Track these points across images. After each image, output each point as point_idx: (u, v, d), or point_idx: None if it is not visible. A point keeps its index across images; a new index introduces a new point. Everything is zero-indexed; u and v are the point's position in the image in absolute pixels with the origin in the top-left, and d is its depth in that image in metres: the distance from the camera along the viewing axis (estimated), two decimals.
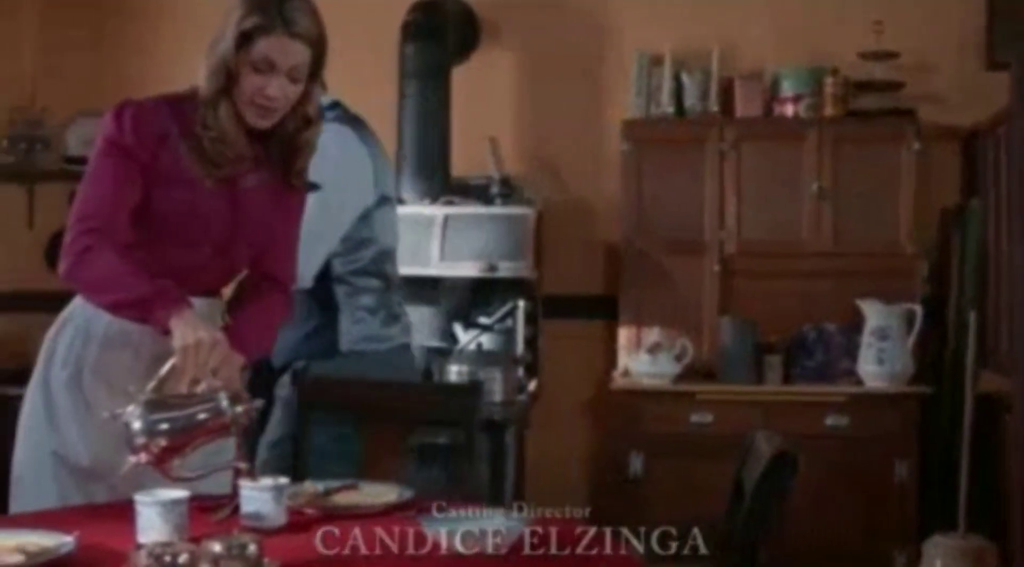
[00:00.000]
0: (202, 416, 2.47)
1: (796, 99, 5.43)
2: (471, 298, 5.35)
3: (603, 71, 5.84)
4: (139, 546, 2.19)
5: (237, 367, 2.54)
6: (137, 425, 2.43)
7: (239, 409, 2.49)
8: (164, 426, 2.44)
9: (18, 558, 2.08)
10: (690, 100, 5.53)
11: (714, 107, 5.50)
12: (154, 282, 2.60)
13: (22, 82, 6.13)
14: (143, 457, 2.43)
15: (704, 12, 5.69)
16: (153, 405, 2.45)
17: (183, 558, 1.99)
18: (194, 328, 2.50)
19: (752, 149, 5.46)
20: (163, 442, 2.43)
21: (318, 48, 2.75)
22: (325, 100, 3.27)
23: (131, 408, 2.44)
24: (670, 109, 5.51)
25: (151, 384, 2.49)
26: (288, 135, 2.81)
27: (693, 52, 5.53)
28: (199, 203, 2.76)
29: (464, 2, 5.79)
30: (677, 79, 5.53)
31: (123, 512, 2.41)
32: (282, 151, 2.82)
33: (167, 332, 2.52)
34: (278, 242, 2.92)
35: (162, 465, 2.46)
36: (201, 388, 2.49)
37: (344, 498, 2.67)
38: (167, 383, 2.50)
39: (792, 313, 5.37)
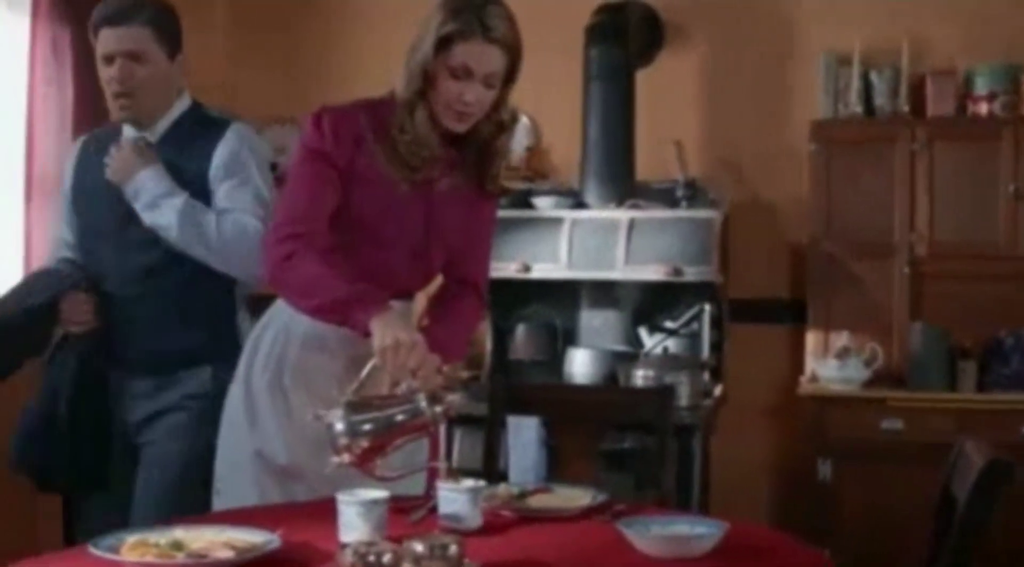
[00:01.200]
0: (401, 417, 2.50)
1: (991, 97, 5.27)
2: (656, 302, 5.33)
3: (789, 71, 5.76)
4: (343, 545, 2.23)
5: (434, 368, 2.55)
6: (340, 426, 2.46)
7: (438, 409, 2.51)
8: (366, 427, 2.47)
9: (228, 553, 2.13)
10: (879, 99, 5.41)
11: (904, 106, 5.36)
12: (354, 285, 2.64)
13: (214, 91, 6.27)
14: (346, 457, 2.47)
15: (893, 8, 5.54)
16: (355, 406, 2.49)
17: (387, 557, 2.02)
18: (394, 330, 2.52)
19: (944, 149, 5.30)
20: (365, 443, 2.47)
21: (514, 54, 2.77)
22: None
23: (334, 410, 2.48)
24: (858, 109, 5.40)
25: (352, 386, 2.52)
26: (483, 140, 2.84)
27: (882, 50, 5.41)
28: (394, 205, 2.80)
29: (648, 4, 5.76)
30: (866, 78, 5.41)
31: (321, 511, 2.47)
32: (477, 156, 2.85)
33: (367, 335, 2.55)
34: (472, 247, 2.96)
35: (364, 465, 2.49)
36: (401, 389, 2.52)
37: (538, 501, 2.68)
38: (367, 384, 2.53)
39: (987, 318, 5.21)
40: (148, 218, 3.16)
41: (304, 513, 2.55)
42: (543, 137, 6.01)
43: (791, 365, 5.61)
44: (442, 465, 2.58)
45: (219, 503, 2.91)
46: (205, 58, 6.36)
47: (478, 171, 2.87)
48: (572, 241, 5.18)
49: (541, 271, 5.22)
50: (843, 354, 5.22)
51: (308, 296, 2.68)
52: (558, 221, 5.27)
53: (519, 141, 5.96)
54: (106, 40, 3.24)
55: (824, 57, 5.45)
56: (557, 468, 3.32)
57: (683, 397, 4.70)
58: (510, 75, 2.80)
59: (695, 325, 5.20)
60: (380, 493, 2.36)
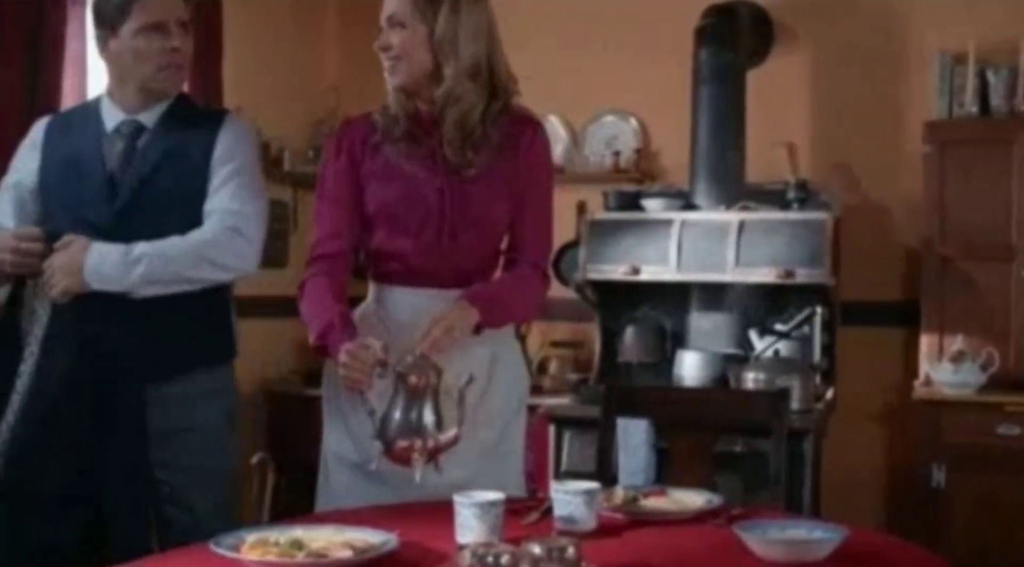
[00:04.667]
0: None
1: None
2: (766, 304, 5.29)
3: (902, 71, 5.69)
4: (461, 546, 2.24)
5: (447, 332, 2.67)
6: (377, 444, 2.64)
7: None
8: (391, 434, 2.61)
9: (347, 553, 2.15)
10: (996, 99, 5.31)
11: (1021, 105, 5.26)
12: (325, 320, 2.77)
13: (326, 93, 6.37)
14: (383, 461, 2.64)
15: (1009, 5, 5.45)
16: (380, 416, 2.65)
17: (505, 559, 2.02)
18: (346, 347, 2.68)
19: None
20: (403, 444, 2.60)
21: None
22: None
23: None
24: (974, 109, 5.31)
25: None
26: (457, 118, 2.85)
27: (998, 48, 5.32)
28: (414, 193, 2.88)
29: (759, 5, 5.73)
30: (981, 77, 5.32)
31: (437, 511, 2.49)
32: (457, 134, 2.87)
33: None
34: (520, 225, 2.96)
35: (405, 462, 2.61)
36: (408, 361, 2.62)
37: (653, 503, 2.67)
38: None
39: None
40: (142, 287, 2.93)
41: (420, 514, 2.57)
42: (652, 139, 6.01)
43: (904, 369, 5.54)
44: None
45: (318, 504, 2.99)
46: (316, 61, 6.45)
47: (462, 150, 2.87)
48: (682, 243, 5.16)
49: (650, 273, 5.20)
50: (958, 358, 5.14)
51: (309, 329, 2.82)
52: (668, 223, 5.25)
53: (627, 143, 5.97)
54: (164, 9, 3.04)
55: (939, 56, 5.37)
56: (667, 470, 3.31)
57: (794, 400, 4.66)
58: (428, 14, 2.82)
59: (806, 328, 5.15)
60: (496, 495, 2.37)
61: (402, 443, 2.59)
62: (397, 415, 2.61)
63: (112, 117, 3.09)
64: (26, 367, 2.90)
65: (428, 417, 2.60)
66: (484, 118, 2.86)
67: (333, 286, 2.87)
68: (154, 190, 3.00)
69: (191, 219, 3.00)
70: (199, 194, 3.03)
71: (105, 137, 3.06)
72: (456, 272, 2.90)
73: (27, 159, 3.13)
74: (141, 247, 2.91)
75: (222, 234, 2.99)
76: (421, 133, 2.89)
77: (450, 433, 2.61)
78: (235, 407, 3.22)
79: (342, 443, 2.94)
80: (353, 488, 2.89)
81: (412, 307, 2.88)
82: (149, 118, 3.07)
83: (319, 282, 2.88)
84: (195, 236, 2.97)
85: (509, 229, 2.96)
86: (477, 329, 2.77)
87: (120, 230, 2.96)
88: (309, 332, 2.80)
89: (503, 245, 2.99)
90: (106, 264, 2.88)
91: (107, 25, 3.01)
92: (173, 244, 2.94)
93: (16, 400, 2.88)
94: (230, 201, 3.02)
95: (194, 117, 3.14)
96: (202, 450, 3.04)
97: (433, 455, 2.60)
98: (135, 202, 3.00)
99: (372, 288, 3.01)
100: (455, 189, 2.87)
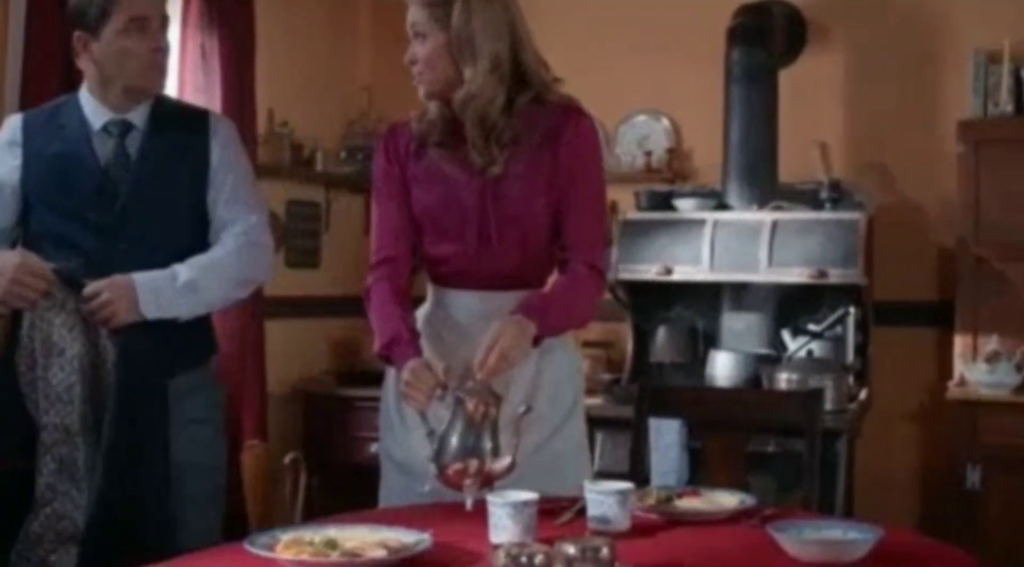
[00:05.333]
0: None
1: None
2: (799, 304, 5.27)
3: (936, 70, 5.65)
4: (495, 546, 2.24)
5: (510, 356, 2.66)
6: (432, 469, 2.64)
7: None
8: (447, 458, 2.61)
9: (380, 553, 2.15)
10: None
11: None
12: (392, 332, 2.81)
13: (358, 94, 6.39)
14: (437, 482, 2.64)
15: None
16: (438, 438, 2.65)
17: (538, 559, 2.02)
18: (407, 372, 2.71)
19: None
20: (457, 468, 2.60)
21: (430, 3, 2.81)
22: None
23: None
24: (1009, 107, 5.27)
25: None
26: (476, 119, 2.83)
27: None
28: (452, 197, 2.88)
29: (792, 4, 5.71)
30: (1016, 76, 5.28)
31: (468, 512, 2.53)
32: (480, 135, 2.85)
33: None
34: (568, 226, 2.91)
35: (457, 486, 2.61)
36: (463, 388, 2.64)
37: (687, 503, 2.66)
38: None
39: None
40: (188, 313, 2.98)
41: (454, 514, 2.57)
42: (684, 139, 6.00)
43: (938, 369, 5.51)
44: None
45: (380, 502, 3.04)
46: (348, 62, 6.46)
47: (487, 148, 2.85)
48: (714, 243, 5.15)
49: (683, 273, 5.20)
50: (993, 358, 5.11)
51: (376, 337, 2.86)
52: (700, 223, 5.24)
53: (659, 143, 5.95)
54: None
55: (974, 55, 5.33)
56: (700, 471, 3.31)
57: (828, 401, 4.64)
58: (445, 21, 2.80)
59: (839, 328, 5.14)
60: (530, 495, 2.37)
61: (456, 468, 2.59)
62: (454, 440, 2.61)
63: (98, 115, 3.04)
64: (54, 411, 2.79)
65: (484, 444, 2.60)
66: (508, 111, 2.82)
67: (396, 291, 2.89)
68: (153, 190, 3.00)
69: (190, 218, 3.04)
70: (197, 195, 3.05)
71: (95, 135, 3.03)
72: (503, 272, 2.90)
73: (6, 156, 3.05)
74: (184, 274, 2.93)
75: (245, 251, 3.03)
76: (457, 137, 2.87)
77: (505, 461, 2.61)
78: (221, 402, 3.26)
79: (396, 447, 2.97)
80: (408, 489, 2.90)
81: (467, 308, 2.92)
82: (137, 117, 3.05)
83: (383, 288, 2.90)
84: (221, 258, 3.00)
85: (558, 227, 2.91)
86: (536, 341, 2.74)
87: (121, 229, 2.97)
88: (376, 339, 2.84)
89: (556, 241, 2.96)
90: (162, 296, 2.90)
91: (88, 28, 2.97)
92: (209, 267, 2.97)
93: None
94: (240, 213, 3.06)
95: (180, 116, 3.15)
96: (192, 446, 3.03)
97: (487, 482, 2.59)
98: (136, 202, 2.98)
99: (429, 289, 3.04)
100: (493, 190, 2.85)
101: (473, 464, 2.58)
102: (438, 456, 2.62)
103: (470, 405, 2.59)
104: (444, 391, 2.64)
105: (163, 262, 2.94)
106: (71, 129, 3.04)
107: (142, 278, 2.88)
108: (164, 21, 3.04)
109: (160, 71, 3.06)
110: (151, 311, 2.87)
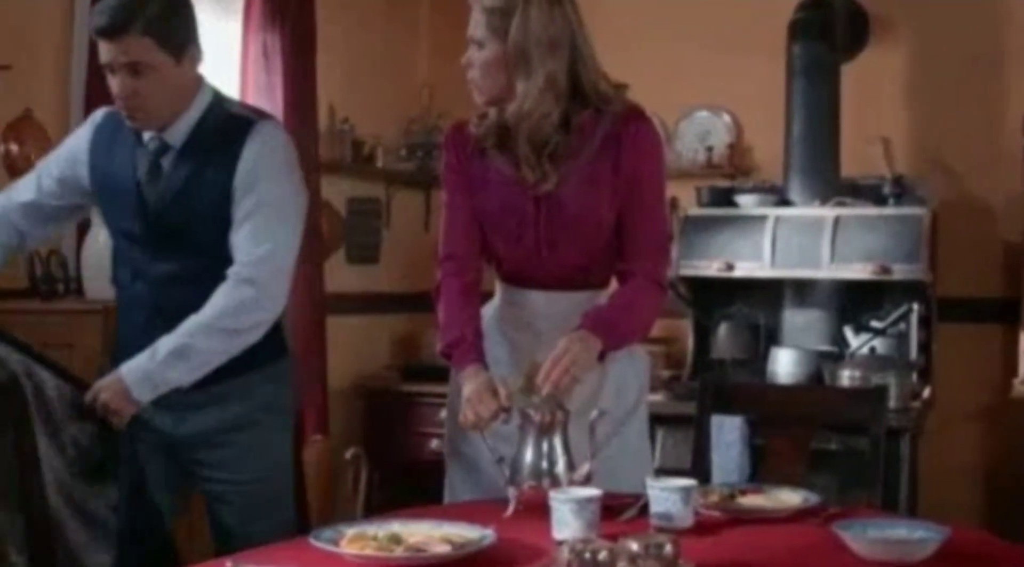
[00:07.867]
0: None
1: None
2: (862, 301, 5.23)
3: (1000, 64, 5.59)
4: (559, 542, 2.24)
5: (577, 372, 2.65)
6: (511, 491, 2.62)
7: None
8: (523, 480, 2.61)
9: (445, 548, 2.16)
10: None
11: None
12: (458, 334, 2.83)
13: (418, 91, 6.40)
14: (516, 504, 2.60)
15: None
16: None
17: (602, 555, 2.02)
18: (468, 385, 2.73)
19: None
20: (535, 488, 2.58)
21: (488, 14, 2.79)
22: None
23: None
24: None
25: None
26: (527, 133, 2.81)
27: None
28: (510, 201, 2.88)
29: None
30: None
31: (533, 506, 2.52)
32: (529, 149, 2.83)
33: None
34: (628, 237, 2.89)
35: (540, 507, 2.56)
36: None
37: (750, 501, 2.65)
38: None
39: None
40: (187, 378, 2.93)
41: (517, 508, 2.58)
42: (745, 134, 5.97)
43: (1003, 366, 5.44)
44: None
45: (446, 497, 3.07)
46: (408, 58, 6.48)
47: (539, 164, 2.83)
48: (776, 239, 5.12)
49: (744, 270, 5.18)
50: None
51: (440, 335, 2.90)
52: (761, 219, 5.22)
53: (720, 138, 5.93)
54: (104, 50, 2.88)
55: None
56: (762, 468, 3.28)
57: (891, 399, 4.59)
58: (504, 31, 2.76)
59: (903, 325, 5.09)
60: (593, 491, 2.37)
61: (534, 488, 2.57)
62: (527, 459, 2.60)
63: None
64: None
65: (558, 459, 2.59)
66: (564, 127, 2.80)
67: (465, 287, 2.91)
68: (179, 209, 2.94)
69: (218, 231, 2.94)
70: (224, 211, 2.94)
71: (139, 149, 3.00)
72: (564, 274, 2.90)
73: (80, 140, 3.09)
74: (167, 345, 2.88)
75: (233, 296, 2.91)
76: (513, 143, 2.85)
77: (582, 471, 2.59)
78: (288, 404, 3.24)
79: (463, 443, 2.98)
80: (473, 485, 2.95)
81: (534, 307, 2.94)
82: (174, 137, 2.97)
83: (451, 284, 2.91)
84: (207, 316, 2.90)
85: (618, 235, 2.89)
86: (600, 356, 2.73)
87: (152, 241, 2.97)
88: (440, 338, 2.87)
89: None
90: (150, 377, 2.86)
91: None
92: (196, 329, 2.89)
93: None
94: (244, 241, 2.93)
95: (222, 128, 2.99)
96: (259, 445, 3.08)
97: None
98: (163, 219, 2.94)
99: (497, 286, 3.06)
100: (550, 199, 2.84)
101: (549, 483, 2.56)
102: (514, 478, 2.60)
103: (538, 421, 2.59)
104: (508, 414, 2.64)
105: (202, 277, 2.93)
106: (127, 138, 3.01)
107: (127, 367, 2.87)
108: (132, 67, 2.85)
109: (128, 115, 2.93)
110: (145, 395, 2.87)
